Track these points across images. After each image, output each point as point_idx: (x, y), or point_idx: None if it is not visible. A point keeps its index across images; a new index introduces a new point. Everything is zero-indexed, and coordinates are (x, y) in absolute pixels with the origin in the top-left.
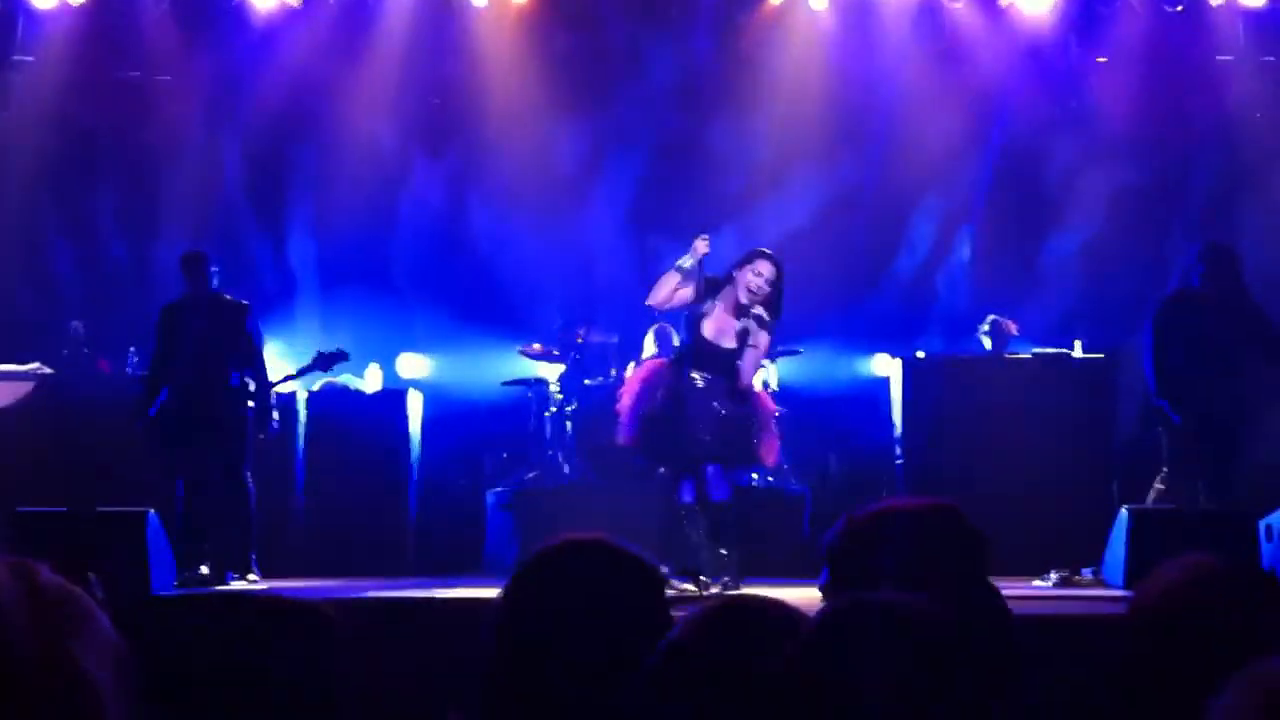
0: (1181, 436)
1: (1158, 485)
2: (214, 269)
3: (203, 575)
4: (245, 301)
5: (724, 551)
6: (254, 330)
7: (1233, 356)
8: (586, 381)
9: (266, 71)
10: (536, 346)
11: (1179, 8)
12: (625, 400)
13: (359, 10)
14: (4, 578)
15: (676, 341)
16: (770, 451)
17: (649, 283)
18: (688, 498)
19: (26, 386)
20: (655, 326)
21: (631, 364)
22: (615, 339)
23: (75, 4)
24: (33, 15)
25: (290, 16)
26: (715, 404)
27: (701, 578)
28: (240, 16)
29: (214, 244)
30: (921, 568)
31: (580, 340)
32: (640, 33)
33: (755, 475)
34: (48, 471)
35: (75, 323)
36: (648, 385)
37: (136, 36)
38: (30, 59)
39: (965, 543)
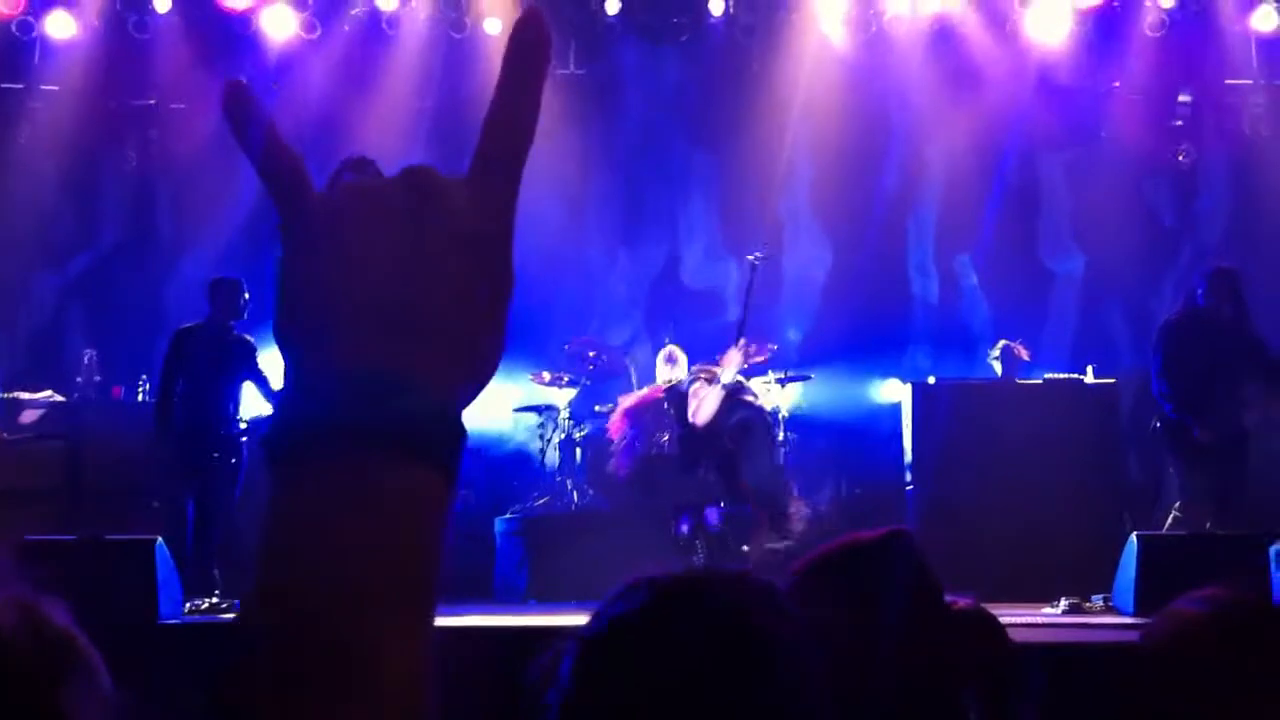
0: (1189, 460)
1: (1175, 513)
2: (245, 298)
3: (211, 604)
4: (250, 338)
5: None
6: (256, 368)
7: (1235, 379)
8: (597, 408)
9: (281, 99)
10: (546, 375)
11: (1191, 31)
12: (615, 432)
13: (373, 38)
14: (11, 618)
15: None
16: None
17: (660, 307)
18: (685, 529)
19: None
20: (665, 350)
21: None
22: (629, 361)
23: (91, 33)
24: (49, 45)
25: (305, 45)
26: (704, 444)
27: None
28: (254, 45)
29: (231, 265)
30: (870, 603)
31: (592, 366)
32: (652, 58)
33: None
34: (59, 498)
35: (88, 350)
36: (634, 418)
37: (152, 65)
38: (47, 87)
39: (917, 570)
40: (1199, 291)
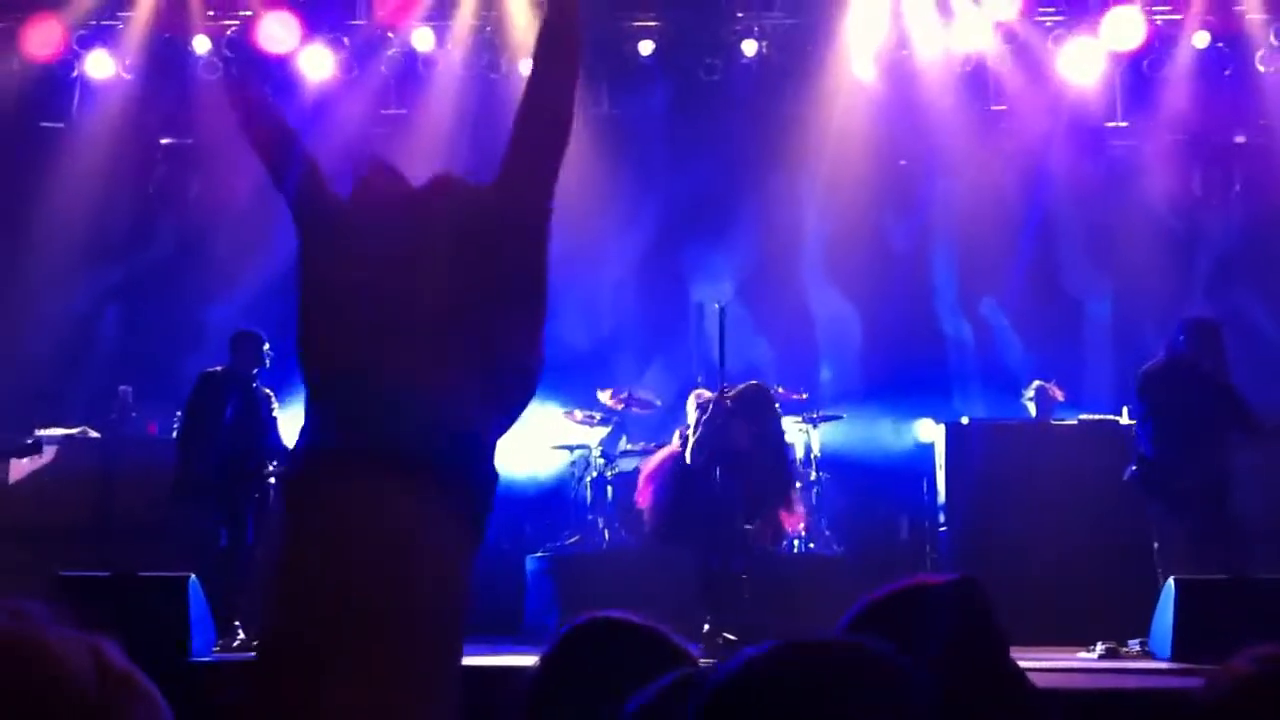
0: (1168, 505)
1: (1157, 566)
2: (266, 349)
3: (243, 641)
4: (269, 391)
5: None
6: (270, 419)
7: (1216, 426)
8: (628, 446)
9: (317, 138)
10: (578, 414)
11: (1226, 72)
12: (643, 496)
13: (409, 79)
14: (84, 662)
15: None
16: (792, 520)
17: (686, 347)
18: (716, 566)
19: (44, 458)
20: (696, 392)
21: (676, 434)
22: (658, 401)
23: (131, 74)
24: (89, 85)
25: (342, 86)
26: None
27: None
28: (292, 86)
29: (264, 308)
30: (936, 648)
31: (621, 405)
32: (685, 97)
33: (796, 541)
34: (93, 534)
35: (124, 387)
36: (656, 477)
37: (188, 104)
38: (86, 125)
39: (979, 619)
40: (1180, 339)
